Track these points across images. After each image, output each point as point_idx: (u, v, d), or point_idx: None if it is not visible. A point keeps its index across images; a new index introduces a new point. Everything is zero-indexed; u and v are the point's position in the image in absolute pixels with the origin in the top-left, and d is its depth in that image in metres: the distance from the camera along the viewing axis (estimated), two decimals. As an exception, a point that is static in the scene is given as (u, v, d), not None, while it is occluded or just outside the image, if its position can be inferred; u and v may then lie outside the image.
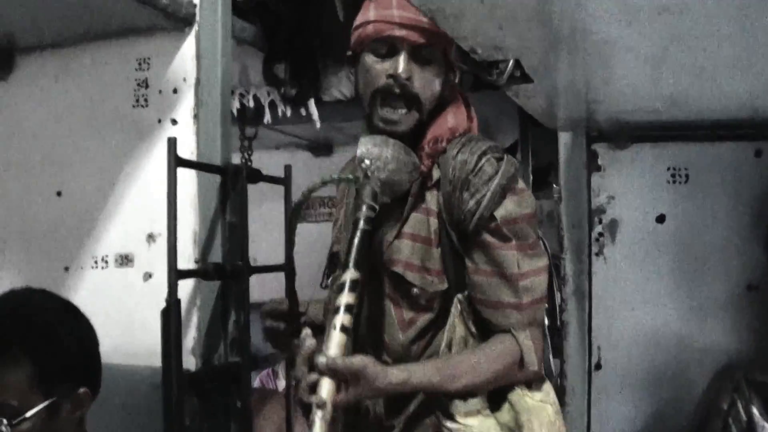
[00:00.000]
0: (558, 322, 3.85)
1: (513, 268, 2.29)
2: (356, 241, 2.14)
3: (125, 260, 3.26)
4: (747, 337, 3.57)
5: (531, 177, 7.04)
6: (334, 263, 2.65)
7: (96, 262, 3.31)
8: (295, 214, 2.33)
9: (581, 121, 3.50)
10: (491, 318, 2.33)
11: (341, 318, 2.01)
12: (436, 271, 2.37)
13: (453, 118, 2.45)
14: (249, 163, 4.34)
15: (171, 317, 2.90)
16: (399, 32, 2.32)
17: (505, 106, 2.93)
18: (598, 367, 3.75)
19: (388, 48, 2.36)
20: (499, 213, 2.29)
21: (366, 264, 2.18)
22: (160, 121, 3.20)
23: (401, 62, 2.33)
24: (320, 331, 2.40)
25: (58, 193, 3.39)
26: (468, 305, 2.36)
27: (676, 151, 3.65)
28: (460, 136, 2.43)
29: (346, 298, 2.04)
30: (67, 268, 3.35)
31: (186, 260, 3.06)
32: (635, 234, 3.73)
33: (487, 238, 2.31)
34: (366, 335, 2.48)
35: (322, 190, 2.37)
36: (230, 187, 3.20)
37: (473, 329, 2.36)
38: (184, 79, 3.17)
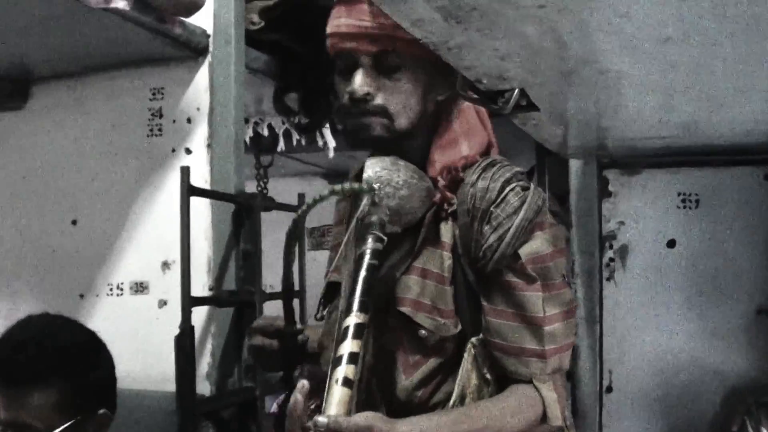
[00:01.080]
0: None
1: (537, 311, 2.01)
2: (361, 279, 1.85)
3: (140, 287, 3.29)
4: (757, 361, 3.56)
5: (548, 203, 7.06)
6: (332, 293, 2.30)
7: (111, 290, 3.34)
8: (297, 223, 2.06)
9: (591, 148, 3.50)
10: (510, 366, 2.04)
11: (344, 370, 1.71)
12: (448, 312, 2.06)
13: (467, 143, 2.15)
14: (264, 191, 4.37)
15: (185, 344, 2.92)
16: (349, 44, 2.05)
17: (521, 131, 2.90)
18: (609, 390, 3.75)
19: (346, 63, 2.09)
20: (525, 251, 2.01)
21: (372, 303, 1.86)
22: (174, 150, 3.24)
23: (357, 77, 2.05)
24: (313, 359, 2.28)
25: (74, 222, 3.42)
26: (483, 350, 2.06)
27: (686, 176, 3.65)
28: (478, 161, 2.12)
29: (349, 346, 1.74)
30: (82, 296, 3.38)
31: (200, 287, 3.09)
32: (646, 259, 3.73)
33: (509, 278, 2.02)
34: (367, 377, 2.13)
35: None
36: (244, 215, 3.23)
37: (488, 376, 2.07)
38: (198, 109, 3.20)
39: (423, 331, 2.05)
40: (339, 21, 2.07)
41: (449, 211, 2.10)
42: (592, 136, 3.16)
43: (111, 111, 3.37)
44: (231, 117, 3.19)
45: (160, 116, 3.26)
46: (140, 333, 3.24)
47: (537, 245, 2.03)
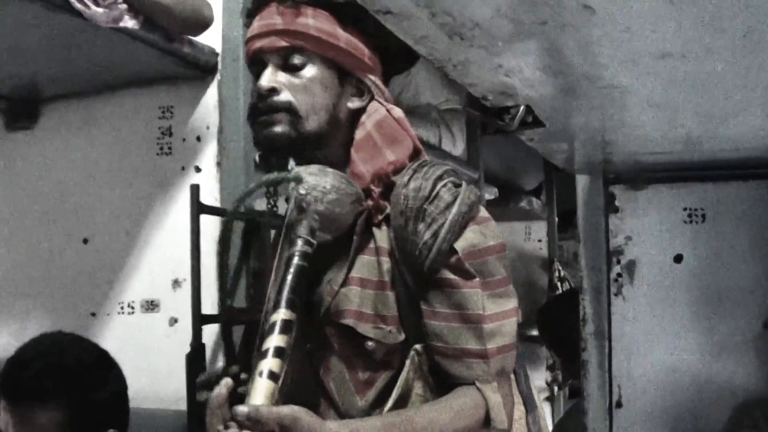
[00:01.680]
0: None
1: (477, 309, 1.95)
2: (290, 276, 1.81)
3: (151, 306, 3.29)
4: (765, 374, 3.57)
5: (556, 219, 7.10)
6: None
7: (122, 308, 3.34)
8: (228, 224, 2.15)
9: (597, 163, 3.52)
10: (452, 369, 1.97)
11: (269, 363, 1.64)
12: (392, 318, 2.01)
13: (391, 151, 2.10)
14: (274, 209, 4.38)
15: (196, 361, 2.93)
16: (258, 43, 2.07)
17: (530, 148, 2.89)
18: (619, 405, 3.75)
19: (258, 68, 2.10)
20: (460, 245, 1.97)
21: (300, 304, 1.82)
22: (183, 168, 3.24)
23: (264, 74, 2.06)
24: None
25: (85, 240, 3.43)
26: (428, 357, 2.00)
27: (692, 191, 3.66)
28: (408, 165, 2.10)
29: (276, 340, 1.68)
30: (94, 314, 3.38)
31: (210, 305, 3.10)
32: (653, 274, 3.73)
33: (447, 275, 1.97)
34: (313, 402, 2.09)
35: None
36: (253, 232, 3.24)
37: (433, 385, 2.01)
38: (207, 127, 3.21)
39: (370, 343, 2.01)
40: (253, 27, 2.10)
41: (383, 216, 2.07)
42: (598, 150, 3.17)
43: (120, 130, 3.38)
44: (240, 135, 3.19)
45: (170, 135, 3.26)
46: (151, 351, 3.24)
47: (472, 238, 1.99)
